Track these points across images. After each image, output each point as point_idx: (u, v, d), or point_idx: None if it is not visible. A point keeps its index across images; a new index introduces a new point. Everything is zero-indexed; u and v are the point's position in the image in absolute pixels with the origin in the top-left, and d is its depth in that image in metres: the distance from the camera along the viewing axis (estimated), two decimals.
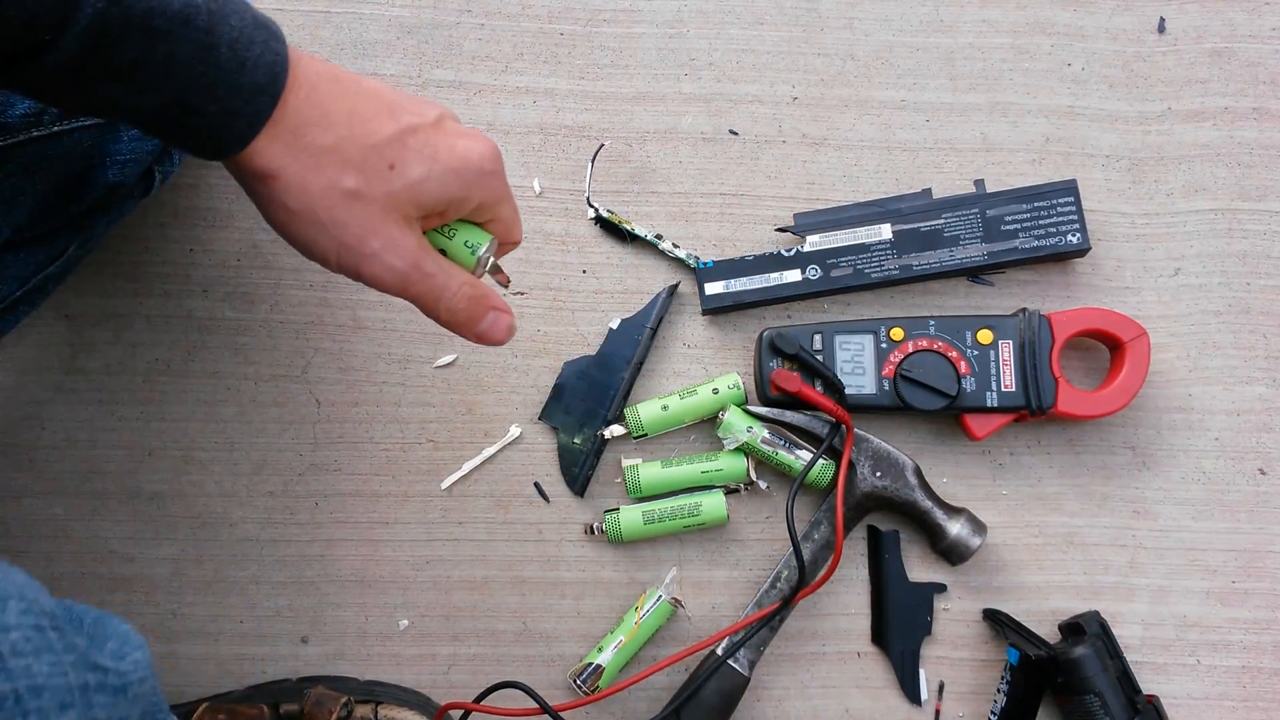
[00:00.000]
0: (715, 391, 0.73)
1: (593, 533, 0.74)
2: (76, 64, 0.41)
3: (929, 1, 0.79)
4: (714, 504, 0.73)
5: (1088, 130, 0.77)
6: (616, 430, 0.73)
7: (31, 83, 0.43)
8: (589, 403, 0.74)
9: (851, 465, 0.71)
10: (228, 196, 0.77)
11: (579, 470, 0.74)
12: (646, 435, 0.74)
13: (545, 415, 0.75)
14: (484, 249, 0.53)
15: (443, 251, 0.53)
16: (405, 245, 0.49)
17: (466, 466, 0.75)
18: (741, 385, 0.74)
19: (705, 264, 0.74)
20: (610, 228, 0.76)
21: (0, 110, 0.54)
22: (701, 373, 0.76)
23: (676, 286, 0.75)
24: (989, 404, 0.71)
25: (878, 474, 0.72)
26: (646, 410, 0.73)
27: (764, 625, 0.70)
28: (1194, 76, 0.78)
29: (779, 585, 0.72)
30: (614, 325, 0.75)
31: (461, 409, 0.76)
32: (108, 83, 0.43)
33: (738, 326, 0.76)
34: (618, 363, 0.74)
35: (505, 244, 0.56)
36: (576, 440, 0.74)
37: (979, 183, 0.75)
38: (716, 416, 0.73)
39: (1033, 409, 0.71)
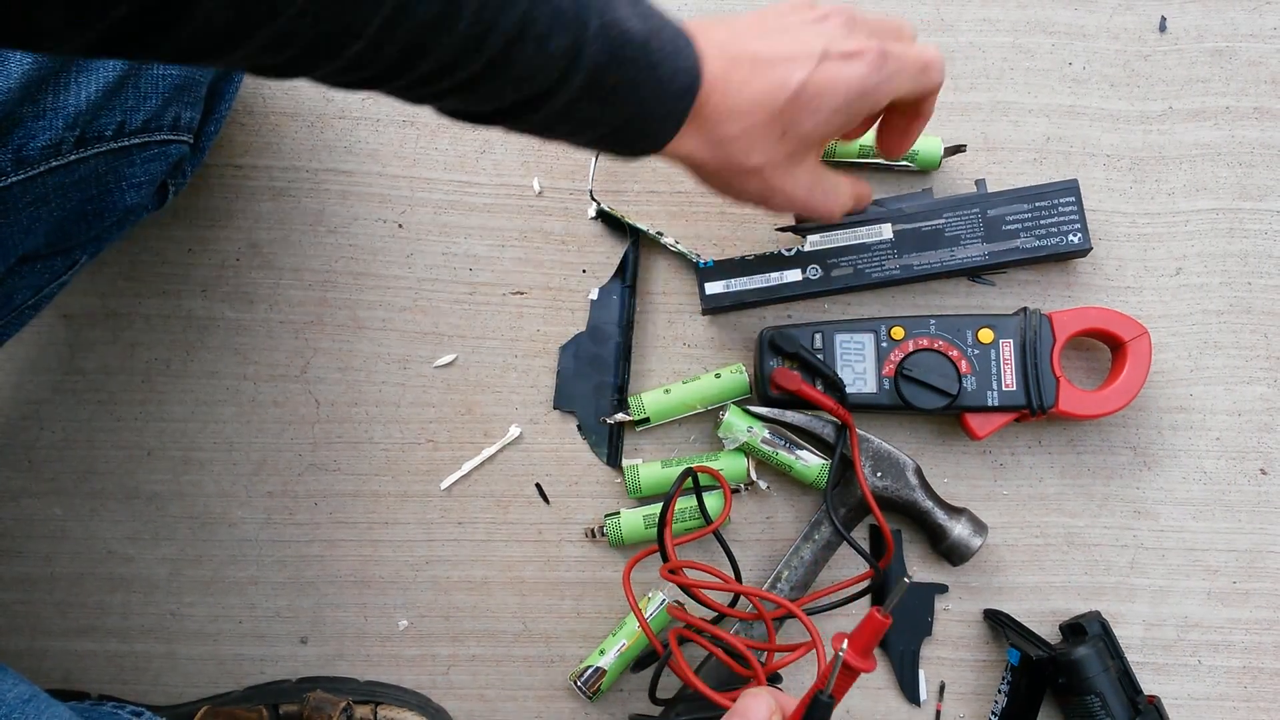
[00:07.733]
0: (718, 376, 0.73)
1: (594, 536, 0.74)
2: (571, 103, 0.47)
3: (929, 1, 0.78)
4: (714, 505, 0.72)
5: (1089, 130, 0.77)
6: (621, 416, 0.73)
7: (532, 123, 0.49)
8: (595, 375, 0.75)
9: (852, 465, 0.71)
10: (227, 196, 0.77)
11: (609, 444, 0.74)
12: (650, 421, 0.73)
13: (558, 402, 0.75)
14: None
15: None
16: (800, 185, 0.58)
17: (466, 466, 0.75)
18: (745, 370, 0.74)
19: (705, 263, 0.74)
20: (612, 222, 0.76)
21: (19, 145, 0.54)
22: (702, 372, 0.76)
23: (640, 235, 0.75)
24: (990, 403, 0.71)
25: (878, 474, 0.72)
26: (649, 396, 0.73)
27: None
28: (1195, 76, 0.78)
29: (779, 585, 0.72)
30: (594, 295, 0.75)
31: (461, 409, 0.75)
32: (590, 109, 0.49)
33: (738, 326, 0.76)
34: (608, 329, 0.75)
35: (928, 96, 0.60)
36: (596, 415, 0.75)
37: (980, 182, 0.75)
38: (717, 416, 0.73)
39: (1034, 408, 0.71)
